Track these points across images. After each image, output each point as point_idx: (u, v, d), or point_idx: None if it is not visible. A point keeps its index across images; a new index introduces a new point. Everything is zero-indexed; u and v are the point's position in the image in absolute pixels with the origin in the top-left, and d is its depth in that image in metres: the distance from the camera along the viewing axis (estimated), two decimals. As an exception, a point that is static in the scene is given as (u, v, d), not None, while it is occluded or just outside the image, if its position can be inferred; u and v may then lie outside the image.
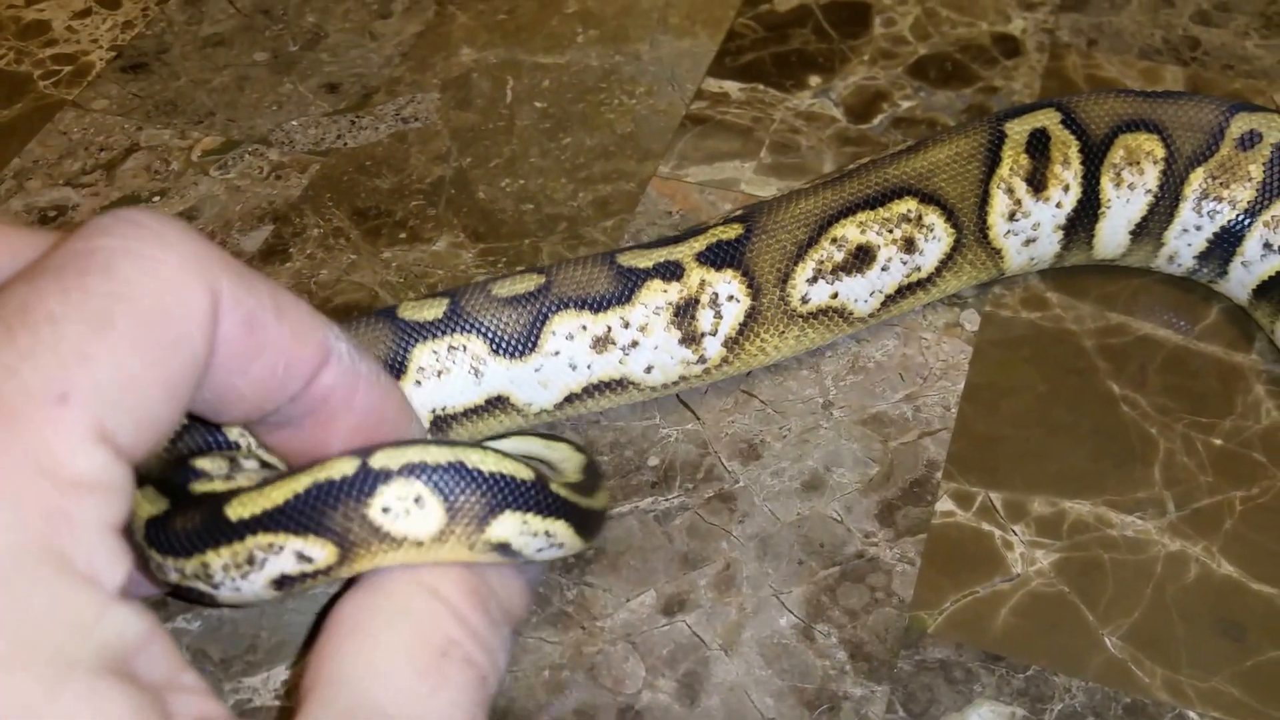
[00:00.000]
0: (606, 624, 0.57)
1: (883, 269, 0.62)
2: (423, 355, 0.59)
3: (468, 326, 0.60)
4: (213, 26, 0.96)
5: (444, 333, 0.59)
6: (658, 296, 0.59)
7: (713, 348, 0.60)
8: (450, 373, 0.59)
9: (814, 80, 0.86)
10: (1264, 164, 0.64)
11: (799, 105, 0.84)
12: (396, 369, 0.59)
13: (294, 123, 0.86)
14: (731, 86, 0.87)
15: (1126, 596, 0.56)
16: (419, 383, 0.60)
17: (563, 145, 0.83)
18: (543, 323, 0.60)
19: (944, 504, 0.60)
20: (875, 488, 0.61)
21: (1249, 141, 0.64)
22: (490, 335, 0.60)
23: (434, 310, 0.60)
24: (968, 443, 0.63)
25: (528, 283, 0.60)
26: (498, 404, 0.61)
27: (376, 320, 0.60)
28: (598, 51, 0.91)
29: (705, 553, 0.59)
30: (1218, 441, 0.62)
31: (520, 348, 0.60)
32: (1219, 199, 0.64)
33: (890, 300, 0.63)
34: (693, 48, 0.90)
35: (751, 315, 0.60)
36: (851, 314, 0.62)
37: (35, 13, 0.97)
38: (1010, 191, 0.64)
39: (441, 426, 0.60)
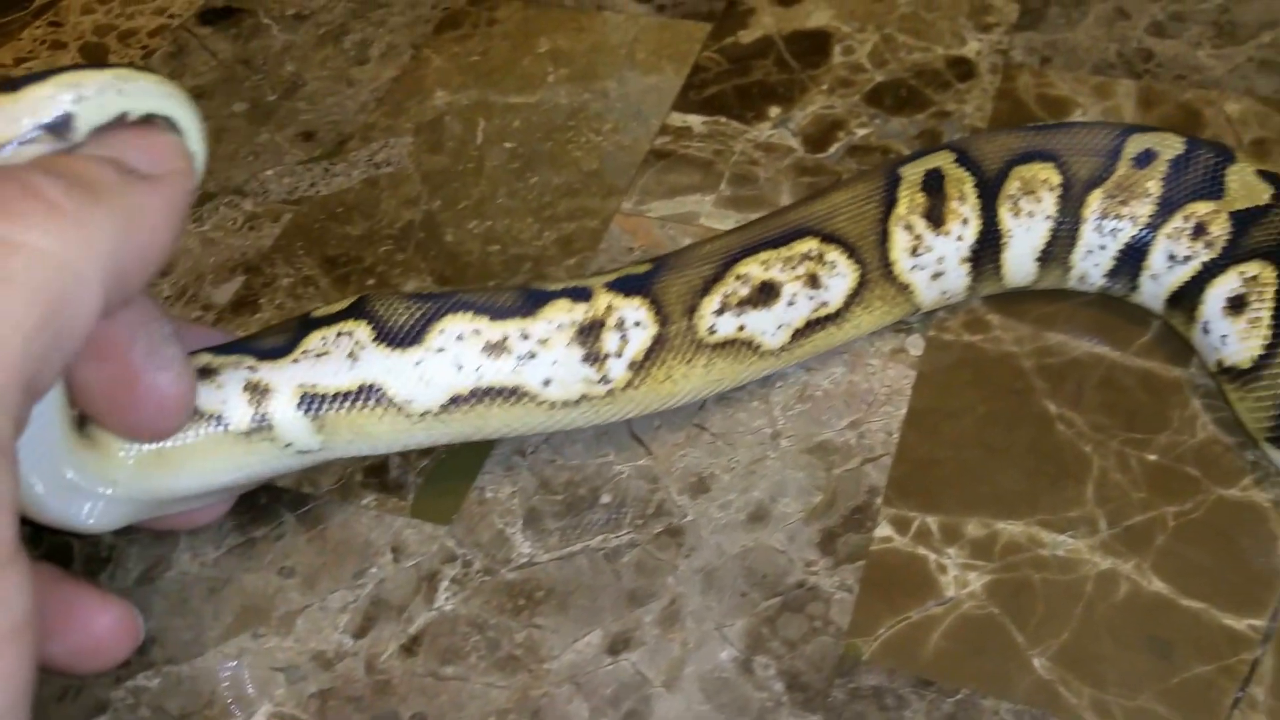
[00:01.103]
0: (553, 666, 0.59)
1: (788, 304, 0.65)
2: (313, 340, 0.62)
3: (360, 315, 0.62)
4: (194, 79, 0.99)
5: (339, 320, 0.63)
6: (563, 314, 0.61)
7: (617, 369, 0.62)
8: (329, 355, 0.62)
9: (774, 111, 0.88)
10: (1161, 179, 0.66)
11: (758, 137, 0.86)
12: (284, 351, 0.62)
13: (269, 172, 0.89)
14: (695, 120, 0.89)
15: (1056, 617, 0.58)
16: (296, 360, 0.62)
17: (530, 185, 0.86)
18: (434, 319, 0.62)
19: (883, 529, 0.62)
20: (818, 516, 0.63)
21: (1145, 160, 0.67)
22: (378, 323, 0.62)
23: (341, 305, 0.64)
24: (908, 467, 0.65)
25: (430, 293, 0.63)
26: (372, 394, 0.61)
27: (291, 321, 0.63)
28: (567, 90, 0.94)
29: (652, 589, 0.61)
30: (1152, 457, 0.64)
31: (403, 339, 0.62)
32: (1119, 217, 0.66)
33: (801, 334, 0.66)
34: (659, 83, 0.93)
35: (659, 341, 0.63)
36: (761, 346, 0.65)
37: (23, 68, 1.01)
38: (909, 228, 0.66)
39: (314, 409, 0.62)
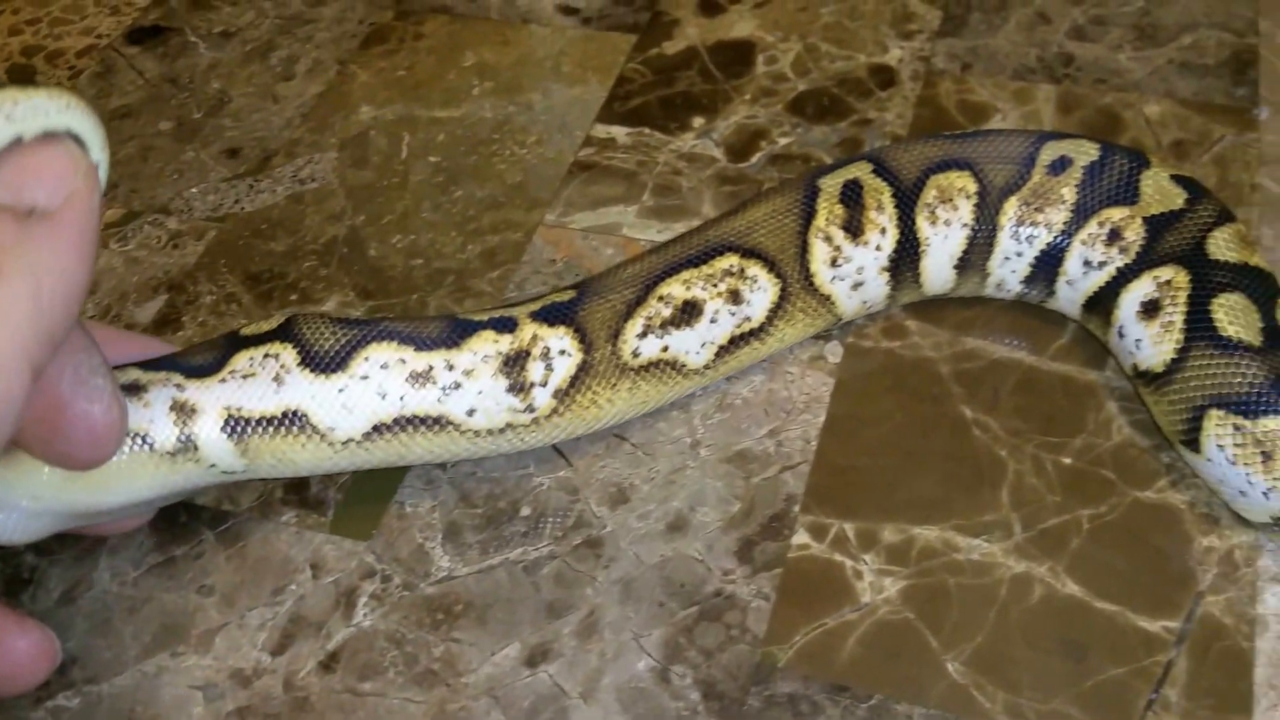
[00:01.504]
0: (471, 679, 0.59)
1: (711, 321, 0.64)
2: (240, 360, 0.62)
3: (288, 338, 0.62)
4: (121, 99, 0.99)
5: (266, 341, 0.63)
6: (488, 345, 0.61)
7: (542, 398, 0.62)
8: (256, 376, 0.62)
9: (698, 121, 0.88)
10: (1076, 186, 0.67)
11: (682, 147, 0.86)
12: (212, 370, 0.62)
13: (194, 190, 0.89)
14: (619, 131, 0.89)
15: (971, 621, 0.58)
16: (223, 380, 0.62)
17: (454, 198, 0.86)
18: (359, 346, 0.62)
19: (800, 537, 0.62)
20: (736, 525, 0.63)
21: (1060, 166, 0.67)
22: (304, 347, 0.62)
23: (269, 324, 0.64)
24: (825, 475, 0.65)
25: (357, 318, 0.63)
26: (295, 420, 0.62)
27: (219, 338, 0.64)
28: (492, 103, 0.93)
29: (570, 600, 0.61)
30: (1067, 461, 0.64)
31: (329, 365, 0.62)
32: (1035, 224, 0.67)
33: (725, 350, 0.65)
34: (584, 95, 0.93)
35: (583, 369, 0.62)
36: (685, 366, 0.65)
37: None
38: (829, 240, 0.66)
39: (238, 432, 0.62)
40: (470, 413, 0.62)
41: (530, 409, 0.62)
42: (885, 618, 0.59)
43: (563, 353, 0.63)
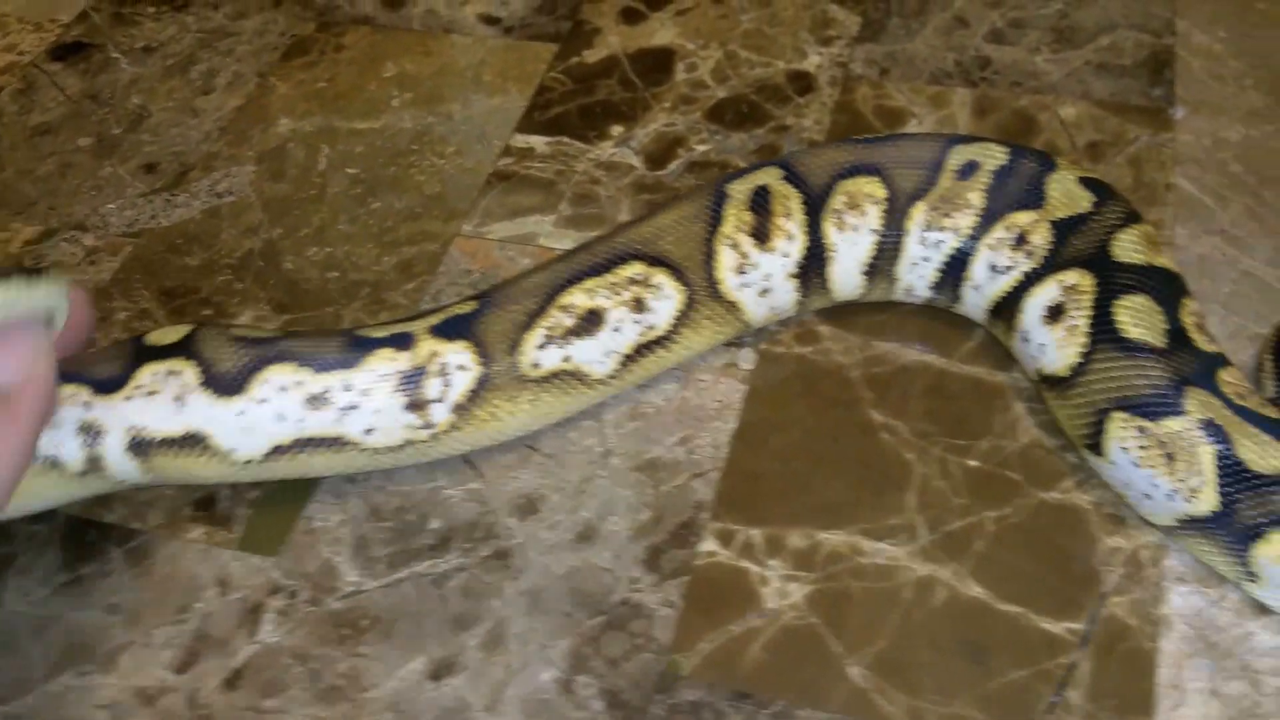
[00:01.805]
0: (375, 695, 0.58)
1: (614, 330, 0.64)
2: (145, 375, 0.62)
3: (190, 354, 0.63)
4: (42, 115, 0.98)
5: (170, 356, 0.63)
6: (385, 364, 0.61)
7: (440, 414, 0.62)
8: (159, 394, 0.62)
9: (617, 130, 0.88)
10: (983, 191, 0.67)
11: (600, 156, 0.86)
12: (117, 385, 0.62)
13: (111, 206, 0.88)
14: (538, 141, 0.89)
15: (874, 625, 0.58)
16: (129, 398, 0.62)
17: (371, 210, 0.85)
18: (258, 369, 0.62)
19: (708, 544, 0.62)
20: (645, 533, 0.63)
21: (968, 171, 0.67)
22: (205, 366, 0.62)
23: (174, 335, 0.64)
24: (735, 481, 0.65)
25: (261, 332, 0.64)
26: (197, 442, 0.62)
27: (124, 342, 0.64)
28: (412, 114, 0.93)
29: (478, 613, 0.61)
30: (974, 463, 0.64)
31: (228, 387, 0.62)
32: (942, 229, 0.67)
33: (631, 359, 0.65)
34: (504, 104, 0.93)
35: (482, 382, 0.62)
36: (589, 376, 0.64)
37: None
38: (735, 246, 0.66)
39: (143, 452, 0.63)
40: (368, 431, 0.62)
41: (428, 425, 0.62)
42: (790, 623, 0.59)
43: (461, 367, 0.62)
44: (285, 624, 0.62)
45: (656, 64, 0.94)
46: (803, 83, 0.90)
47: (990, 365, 0.69)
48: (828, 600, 0.60)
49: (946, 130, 0.84)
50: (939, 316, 0.71)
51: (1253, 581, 0.56)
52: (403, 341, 0.63)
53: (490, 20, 1.01)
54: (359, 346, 0.62)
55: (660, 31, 0.97)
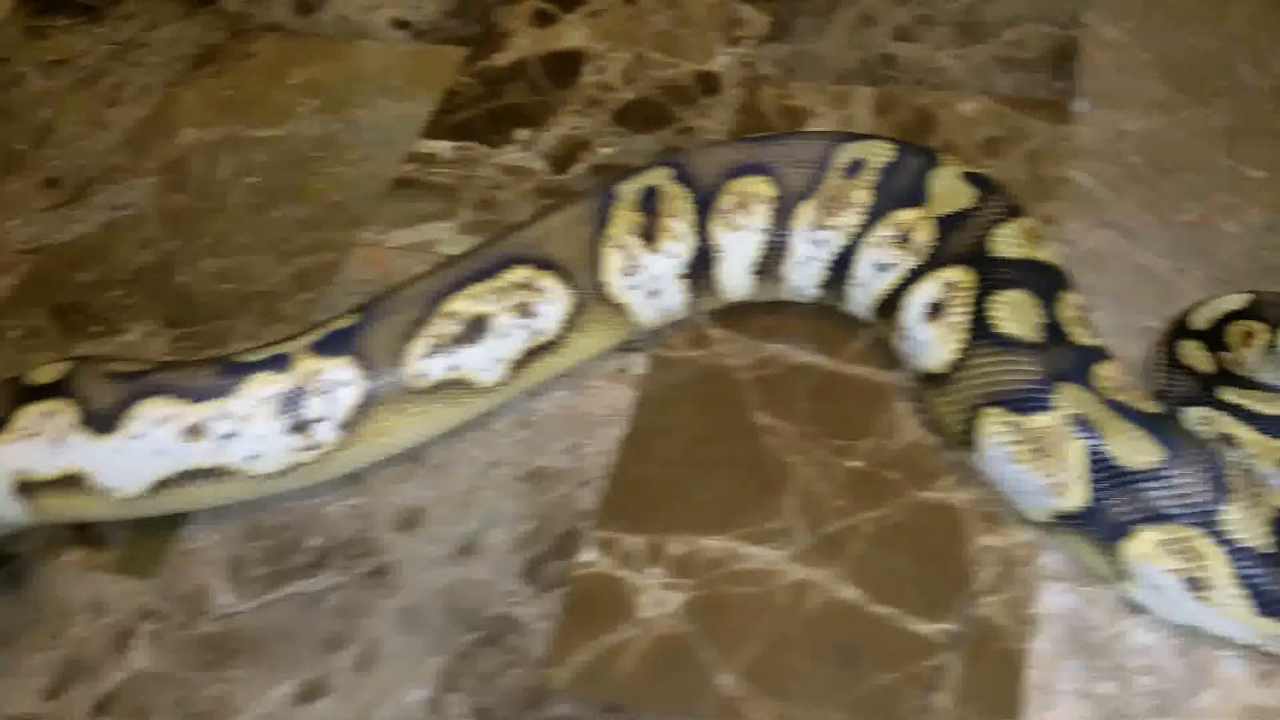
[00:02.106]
0: (241, 719, 0.57)
1: (501, 336, 0.64)
2: (26, 417, 0.62)
3: (68, 394, 0.62)
4: (-53, 132, 0.96)
5: (49, 397, 0.62)
6: (263, 388, 0.60)
7: (325, 433, 0.62)
8: (40, 436, 0.62)
9: (522, 134, 0.88)
10: (868, 189, 0.66)
11: (504, 160, 0.86)
12: (1, 427, 0.62)
13: (12, 223, 0.87)
14: (443, 146, 0.88)
15: (749, 631, 0.58)
16: (13, 440, 0.62)
17: (271, 220, 0.84)
18: (132, 404, 0.61)
19: (588, 554, 0.62)
20: (526, 545, 0.63)
21: (855, 169, 0.67)
22: (83, 404, 0.62)
23: (51, 374, 0.64)
24: (620, 489, 0.64)
25: (137, 365, 0.63)
26: (80, 482, 0.62)
27: (6, 383, 0.64)
28: (317, 120, 0.93)
29: (351, 632, 0.60)
30: (855, 464, 0.64)
31: (104, 425, 0.61)
32: (828, 228, 0.66)
33: (519, 366, 0.65)
34: (411, 109, 0.92)
35: (368, 397, 0.62)
36: (478, 384, 0.64)
37: None
38: (623, 248, 0.65)
39: (29, 493, 0.63)
40: (252, 458, 0.62)
41: (314, 446, 0.62)
42: (665, 632, 0.58)
43: (343, 383, 0.61)
44: (156, 649, 0.61)
45: (565, 66, 0.93)
46: (709, 83, 0.90)
47: (876, 364, 0.68)
48: (703, 608, 0.59)
49: (849, 130, 0.83)
50: (831, 316, 0.71)
51: (1124, 580, 0.55)
52: (280, 363, 0.63)
53: (402, 25, 1.01)
54: (235, 372, 0.61)
55: (571, 34, 0.97)
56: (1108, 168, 0.79)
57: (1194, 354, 0.61)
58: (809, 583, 0.59)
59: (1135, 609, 0.57)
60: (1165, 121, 0.81)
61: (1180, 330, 0.63)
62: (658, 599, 0.60)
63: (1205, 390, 0.59)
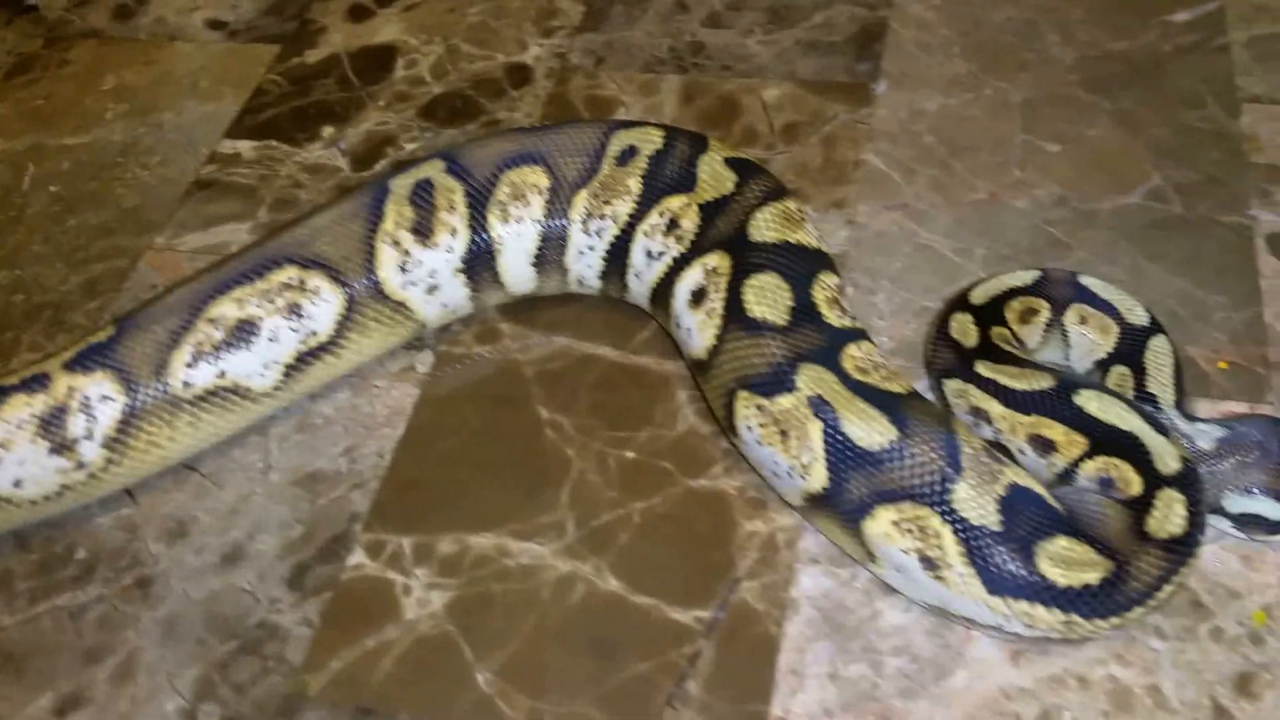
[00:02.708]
0: (-7, 734, 0.56)
1: (270, 340, 0.63)
2: None
3: None
4: None
5: None
6: (21, 411, 0.59)
7: (91, 451, 0.61)
8: None
9: (327, 131, 0.86)
10: (640, 177, 0.66)
11: (307, 159, 0.84)
12: None
13: None
14: (245, 146, 0.87)
15: (510, 628, 0.57)
16: None
17: (68, 228, 0.83)
18: None
19: (356, 557, 0.61)
20: (293, 550, 0.61)
21: (627, 157, 0.66)
22: None
23: None
24: (394, 490, 0.63)
25: None
26: None
27: None
28: (124, 125, 0.91)
29: (111, 645, 0.59)
30: (630, 455, 0.63)
31: None
32: (603, 217, 0.66)
33: (295, 369, 0.64)
34: (217, 110, 0.90)
35: (131, 412, 0.60)
36: (251, 390, 0.63)
37: None
38: (397, 244, 0.65)
39: None
40: (17, 484, 0.61)
41: (81, 465, 0.61)
42: (426, 633, 0.57)
43: (104, 399, 0.60)
44: (-89, 667, 0.59)
45: (377, 62, 0.92)
46: (520, 75, 0.89)
47: (659, 355, 0.68)
48: (467, 606, 0.58)
49: (654, 119, 0.82)
50: (620, 308, 0.70)
51: (872, 561, 0.55)
52: (37, 384, 0.62)
53: (218, 25, 0.99)
54: None
55: (386, 28, 0.96)
56: (901, 149, 0.79)
57: (963, 327, 0.61)
58: (575, 576, 0.59)
59: (889, 590, 0.56)
60: (964, 99, 0.82)
61: (959, 304, 0.63)
62: (422, 600, 0.59)
63: (964, 363, 0.59)
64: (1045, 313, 0.62)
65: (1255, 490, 0.55)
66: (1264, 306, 0.67)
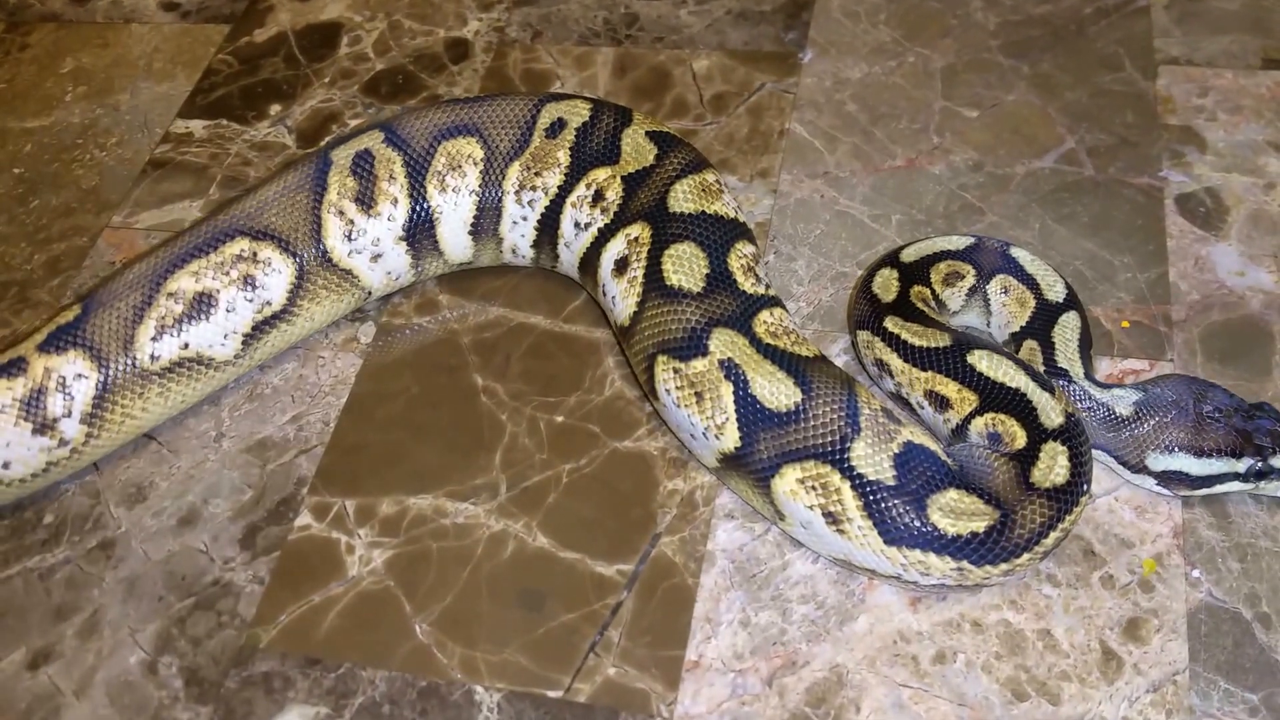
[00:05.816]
0: (-29, 688, 0.60)
1: (228, 310, 0.67)
2: None
3: None
4: None
5: None
6: (3, 396, 0.64)
7: (71, 428, 0.65)
8: None
9: (275, 109, 0.90)
10: (569, 149, 0.70)
11: (256, 136, 0.88)
12: None
13: None
14: (197, 125, 0.90)
15: (445, 583, 0.62)
16: None
17: (30, 209, 0.86)
18: None
19: (303, 519, 0.65)
20: (245, 513, 0.66)
21: (556, 129, 0.70)
22: None
23: None
24: (338, 455, 0.68)
25: None
26: None
27: None
28: (82, 107, 0.94)
29: (78, 603, 0.63)
30: (560, 419, 0.67)
31: None
32: (534, 188, 0.70)
33: (252, 338, 0.69)
34: (170, 90, 0.94)
35: (104, 387, 0.65)
36: (214, 359, 0.68)
37: None
38: (341, 214, 0.69)
39: None
40: (6, 465, 0.65)
41: (63, 442, 0.65)
42: (368, 589, 0.62)
43: (79, 376, 0.64)
44: (-112, 630, 0.63)
45: (323, 39, 0.96)
46: (459, 50, 0.93)
47: (589, 324, 0.72)
48: (406, 563, 0.63)
49: (588, 92, 0.86)
50: (552, 279, 0.75)
51: (782, 519, 0.59)
52: (15, 368, 0.65)
53: (170, 6, 1.02)
54: None
55: (331, 6, 0.99)
56: (825, 118, 0.83)
57: (886, 283, 0.66)
58: (506, 534, 0.63)
59: (799, 544, 0.61)
60: (888, 67, 0.85)
61: (888, 260, 0.68)
62: (364, 557, 0.63)
63: (876, 317, 0.63)
64: (970, 278, 0.67)
65: (1176, 449, 0.60)
66: (1170, 266, 0.71)
